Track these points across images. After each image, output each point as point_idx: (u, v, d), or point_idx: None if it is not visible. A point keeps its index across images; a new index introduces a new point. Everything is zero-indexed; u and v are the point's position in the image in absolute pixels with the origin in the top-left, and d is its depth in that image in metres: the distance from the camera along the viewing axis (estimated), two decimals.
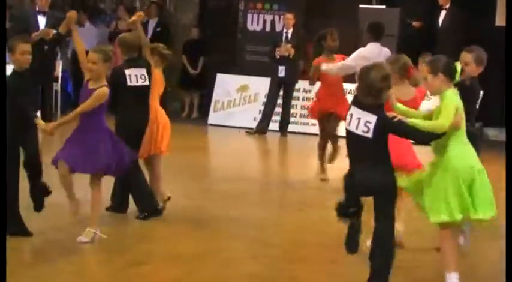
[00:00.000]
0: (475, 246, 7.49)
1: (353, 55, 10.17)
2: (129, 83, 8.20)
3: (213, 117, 16.71)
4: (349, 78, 11.38)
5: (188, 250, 7.24)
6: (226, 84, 16.80)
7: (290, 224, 8.63)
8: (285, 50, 15.13)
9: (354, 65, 9.90)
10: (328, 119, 10.60)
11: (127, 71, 8.22)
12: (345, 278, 6.74)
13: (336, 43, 10.56)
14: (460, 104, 6.05)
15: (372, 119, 5.83)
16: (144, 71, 8.28)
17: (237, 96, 16.64)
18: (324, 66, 10.18)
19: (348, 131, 6.00)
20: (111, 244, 7.31)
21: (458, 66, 6.22)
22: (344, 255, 6.18)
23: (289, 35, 15.42)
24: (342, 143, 10.12)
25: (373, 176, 5.88)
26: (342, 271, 6.85)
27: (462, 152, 6.08)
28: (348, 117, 5.97)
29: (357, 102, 5.96)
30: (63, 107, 16.03)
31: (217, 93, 16.81)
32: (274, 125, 15.61)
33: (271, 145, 15.10)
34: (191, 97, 17.97)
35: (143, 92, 8.28)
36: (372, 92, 5.85)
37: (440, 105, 6.03)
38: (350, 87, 13.37)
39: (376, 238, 6.04)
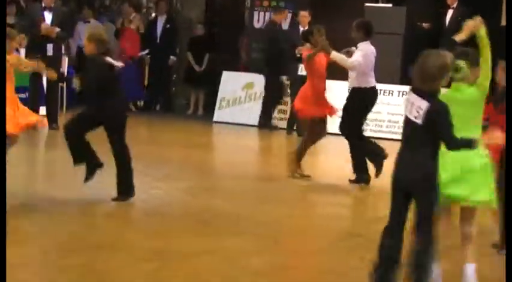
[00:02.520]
0: None
1: (359, 53, 10.20)
2: None
3: (218, 115, 16.71)
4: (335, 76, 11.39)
5: (193, 247, 7.23)
6: (231, 81, 16.79)
7: (296, 220, 8.62)
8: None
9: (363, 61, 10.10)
10: (318, 122, 10.70)
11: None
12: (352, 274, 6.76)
13: (322, 39, 10.66)
14: None
15: (423, 105, 5.66)
16: None
17: (243, 94, 16.63)
18: (335, 54, 10.17)
19: (404, 117, 5.82)
20: (116, 241, 7.31)
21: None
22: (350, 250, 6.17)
23: None
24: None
25: (414, 165, 5.66)
26: (350, 267, 6.86)
27: None
28: (405, 101, 5.80)
29: (413, 88, 5.80)
30: (69, 103, 15.91)
31: (223, 91, 16.81)
32: (281, 123, 15.64)
33: (277, 142, 15.09)
34: (197, 94, 17.97)
35: None
36: (426, 79, 5.69)
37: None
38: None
39: (412, 258, 5.65)
